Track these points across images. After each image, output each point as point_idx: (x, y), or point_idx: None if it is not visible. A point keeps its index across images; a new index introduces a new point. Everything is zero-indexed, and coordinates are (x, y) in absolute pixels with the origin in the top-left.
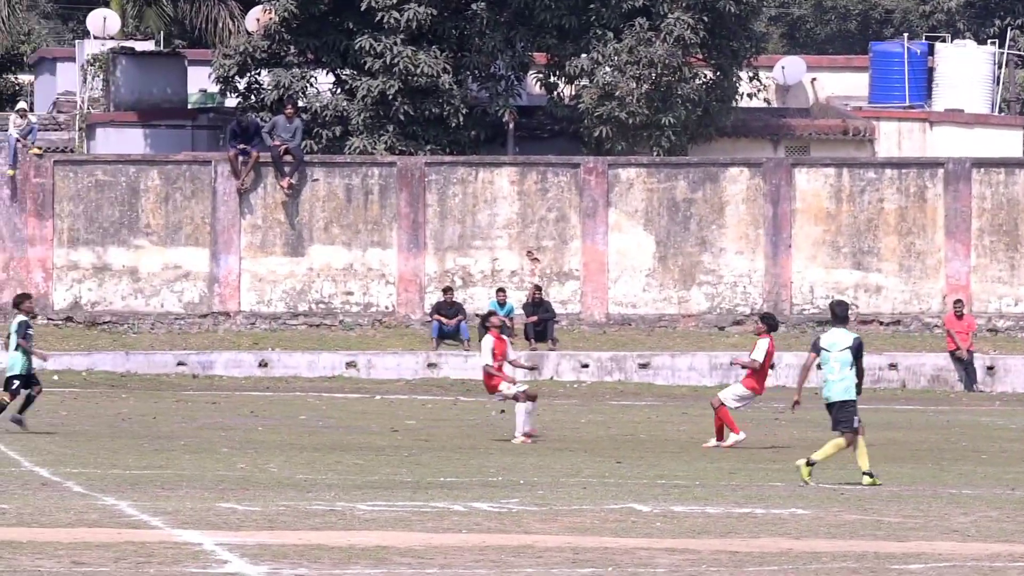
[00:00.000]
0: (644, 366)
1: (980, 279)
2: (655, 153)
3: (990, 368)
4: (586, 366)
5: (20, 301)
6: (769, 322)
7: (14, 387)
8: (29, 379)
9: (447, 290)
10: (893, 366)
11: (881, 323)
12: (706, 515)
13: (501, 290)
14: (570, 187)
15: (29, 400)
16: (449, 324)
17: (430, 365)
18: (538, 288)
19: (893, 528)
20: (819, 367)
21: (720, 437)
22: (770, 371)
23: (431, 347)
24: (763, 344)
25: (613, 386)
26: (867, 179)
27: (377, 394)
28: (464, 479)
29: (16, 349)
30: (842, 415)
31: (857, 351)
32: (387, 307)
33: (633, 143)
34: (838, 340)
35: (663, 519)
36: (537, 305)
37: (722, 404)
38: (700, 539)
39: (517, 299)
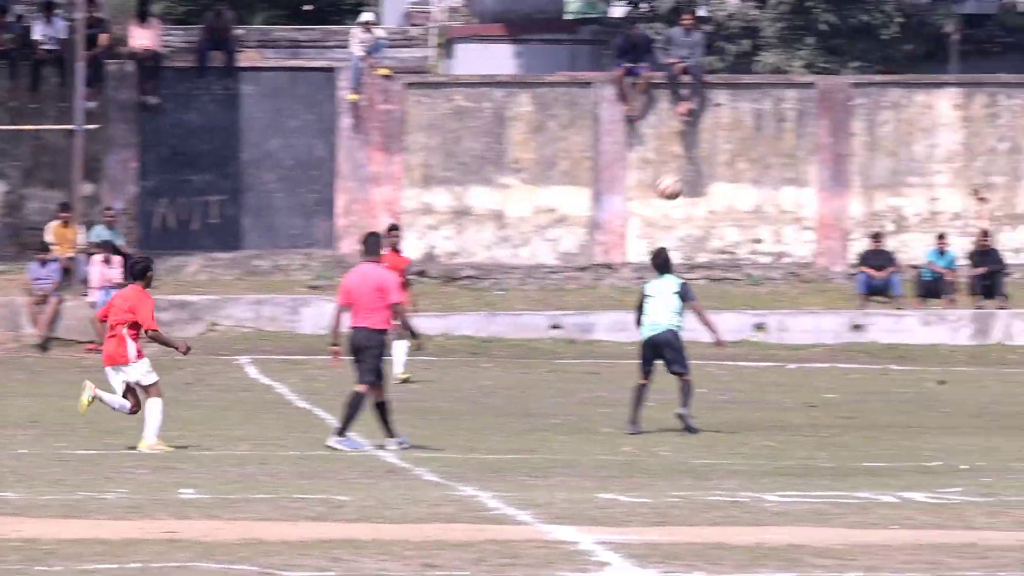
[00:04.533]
0: None
1: None
2: None
3: None
4: None
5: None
6: None
7: None
8: None
9: (876, 236)
10: None
11: None
12: None
13: (941, 236)
14: None
15: None
16: (878, 277)
17: (855, 327)
18: (986, 234)
19: None
20: None
21: None
22: None
23: (856, 305)
24: None
25: None
26: None
27: (791, 362)
28: (894, 464)
29: None
30: None
31: None
32: (803, 257)
33: None
34: None
35: None
36: (984, 254)
37: None
38: None
39: (961, 247)
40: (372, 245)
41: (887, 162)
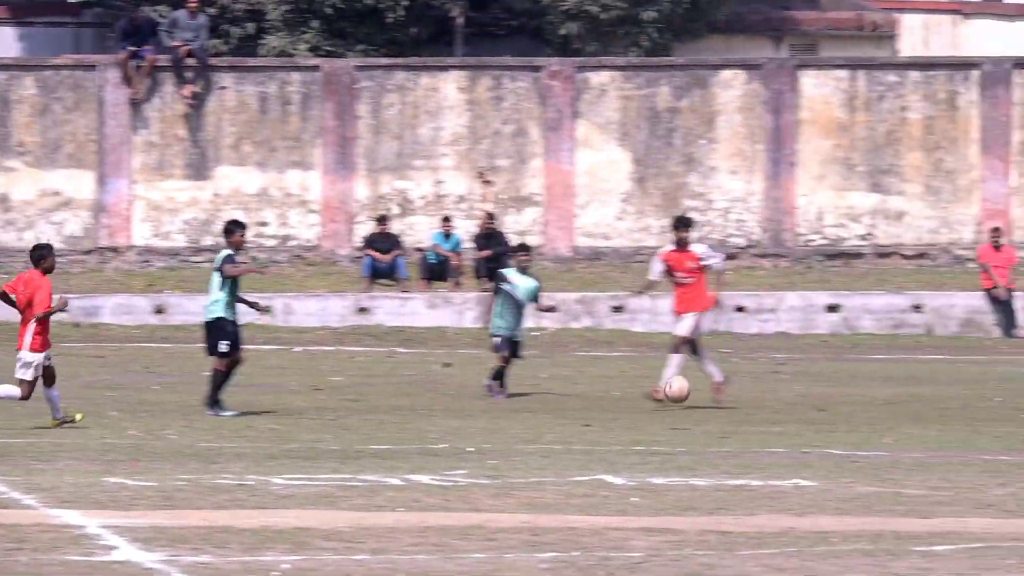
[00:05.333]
0: (618, 309)
1: (1023, 203)
2: (633, 54)
3: None
4: (549, 310)
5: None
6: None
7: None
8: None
9: (382, 219)
10: (917, 307)
11: (904, 256)
12: (691, 488)
13: (447, 219)
14: (530, 95)
15: None
16: (384, 260)
17: (361, 310)
18: (491, 216)
19: (916, 502)
20: None
21: None
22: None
23: (362, 288)
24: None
25: (581, 334)
26: (887, 83)
27: (296, 345)
28: (401, 447)
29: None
30: None
31: None
32: (309, 240)
33: (606, 42)
34: None
35: (640, 493)
36: (490, 237)
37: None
38: (684, 517)
39: (466, 230)
40: None
41: (392, 145)
